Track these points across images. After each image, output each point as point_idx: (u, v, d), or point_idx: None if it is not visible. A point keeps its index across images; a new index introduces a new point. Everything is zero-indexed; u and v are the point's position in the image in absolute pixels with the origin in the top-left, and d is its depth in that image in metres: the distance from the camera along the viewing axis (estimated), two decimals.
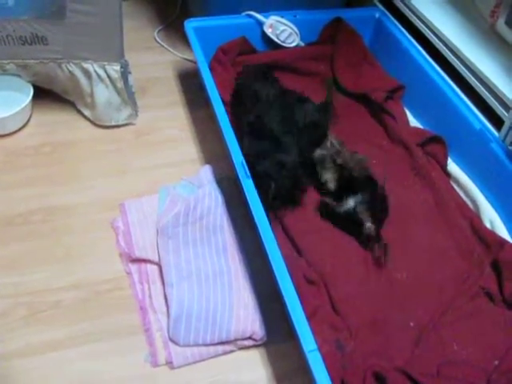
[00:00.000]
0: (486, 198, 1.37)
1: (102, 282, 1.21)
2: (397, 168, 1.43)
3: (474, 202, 1.38)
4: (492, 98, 1.38)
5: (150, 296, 1.18)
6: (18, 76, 1.52)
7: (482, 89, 1.41)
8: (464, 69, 1.47)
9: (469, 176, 1.42)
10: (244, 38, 1.67)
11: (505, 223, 1.32)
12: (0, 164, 1.44)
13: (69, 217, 1.33)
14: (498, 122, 1.37)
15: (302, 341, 0.94)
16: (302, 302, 1.00)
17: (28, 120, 1.56)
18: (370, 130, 1.56)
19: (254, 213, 1.12)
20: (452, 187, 1.43)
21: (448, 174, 1.45)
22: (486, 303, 1.19)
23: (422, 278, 1.23)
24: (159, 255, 1.22)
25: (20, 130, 1.54)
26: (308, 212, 1.32)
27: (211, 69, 1.53)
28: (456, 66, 1.50)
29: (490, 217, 1.34)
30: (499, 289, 1.21)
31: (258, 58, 1.68)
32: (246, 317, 1.12)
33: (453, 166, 1.46)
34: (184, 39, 1.77)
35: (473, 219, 1.33)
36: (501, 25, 1.49)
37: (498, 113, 1.36)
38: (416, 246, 1.29)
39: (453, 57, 1.51)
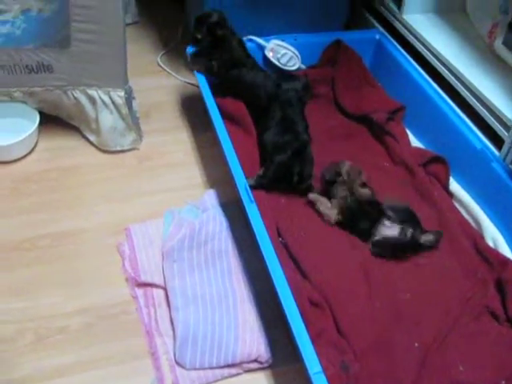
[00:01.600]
0: (489, 216, 1.38)
1: (109, 307, 1.22)
2: (399, 189, 1.44)
3: (476, 220, 1.39)
4: (492, 118, 1.40)
5: (156, 320, 1.19)
6: (25, 103, 1.55)
7: (482, 109, 1.43)
8: (463, 89, 1.49)
9: (471, 195, 1.43)
10: None
11: (507, 242, 1.33)
12: (7, 190, 1.47)
13: (75, 242, 1.35)
14: (498, 141, 1.39)
15: (306, 363, 0.95)
16: (306, 325, 1.01)
17: (34, 146, 1.58)
18: (372, 152, 1.58)
19: (257, 236, 1.13)
20: (454, 206, 1.43)
21: (450, 194, 1.46)
22: (490, 323, 1.19)
23: (426, 298, 1.23)
24: (165, 279, 1.23)
25: (26, 155, 1.56)
26: (311, 233, 1.33)
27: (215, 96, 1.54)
28: (456, 87, 1.52)
29: (493, 235, 1.35)
30: (503, 308, 1.21)
31: None
32: (252, 339, 1.13)
33: (455, 186, 1.47)
34: (187, 63, 1.79)
35: (476, 238, 1.33)
36: (498, 45, 1.51)
37: (499, 132, 1.37)
38: (419, 265, 1.29)
39: (452, 77, 1.53)
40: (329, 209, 1.35)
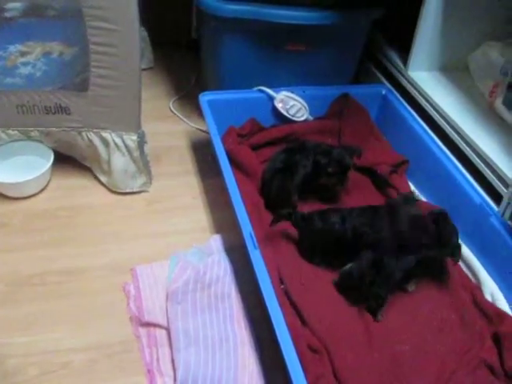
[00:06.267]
0: (487, 270, 1.40)
1: (112, 345, 1.24)
2: None
3: (475, 275, 1.41)
4: (491, 174, 1.43)
5: (158, 360, 1.20)
6: (41, 142, 1.60)
7: (482, 165, 1.47)
8: (464, 145, 1.53)
9: (470, 249, 1.46)
10: (253, 119, 1.76)
11: (505, 296, 1.35)
12: (19, 225, 1.51)
13: (82, 279, 1.38)
14: (497, 197, 1.42)
15: None
16: (304, 370, 1.02)
17: (47, 184, 1.63)
18: (374, 203, 1.59)
19: (260, 282, 1.16)
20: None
21: None
22: (487, 376, 1.20)
23: (424, 349, 1.24)
24: (168, 320, 1.25)
25: (39, 192, 1.61)
26: (312, 282, 1.35)
27: (224, 144, 1.60)
28: (457, 142, 1.57)
29: (491, 290, 1.37)
30: (500, 362, 1.22)
31: (269, 133, 1.76)
32: (250, 383, 1.14)
33: None
34: (198, 110, 1.85)
35: (474, 292, 1.36)
36: (498, 104, 1.56)
37: (497, 189, 1.41)
38: (419, 317, 1.31)
39: (454, 133, 1.58)
40: None
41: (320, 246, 1.40)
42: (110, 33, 1.36)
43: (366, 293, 1.29)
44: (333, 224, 1.37)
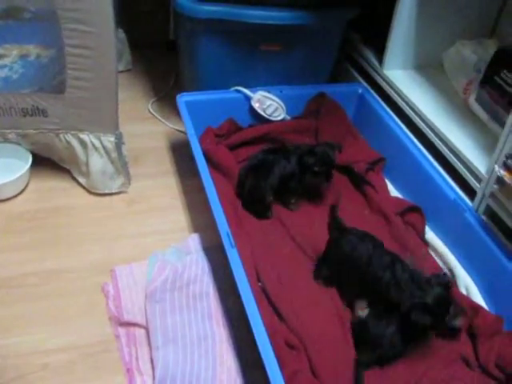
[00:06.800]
0: (462, 264, 1.43)
1: (91, 345, 1.24)
2: (377, 236, 1.48)
3: (450, 269, 1.44)
4: (465, 170, 1.46)
5: (137, 359, 1.21)
6: (18, 144, 1.60)
7: (456, 161, 1.49)
8: (439, 142, 1.55)
9: (445, 243, 1.48)
10: (231, 119, 1.77)
11: (479, 289, 1.37)
12: None
13: (62, 280, 1.38)
14: (471, 192, 1.44)
15: None
16: (281, 365, 1.03)
17: (26, 186, 1.63)
18: (352, 200, 1.63)
19: (237, 281, 1.17)
20: (429, 255, 1.48)
21: (426, 242, 1.51)
22: (462, 369, 1.22)
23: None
24: (147, 319, 1.26)
25: (18, 195, 1.60)
26: (289, 279, 1.37)
27: (201, 144, 1.61)
28: (432, 139, 1.59)
29: (466, 283, 1.39)
30: (475, 354, 1.24)
31: (246, 133, 1.77)
32: (229, 380, 1.15)
33: (430, 235, 1.52)
34: (176, 111, 1.85)
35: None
36: (472, 101, 1.58)
37: (471, 184, 1.43)
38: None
39: (429, 130, 1.60)
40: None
41: (339, 268, 1.36)
42: (86, 35, 1.36)
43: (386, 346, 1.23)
44: (359, 258, 1.30)
